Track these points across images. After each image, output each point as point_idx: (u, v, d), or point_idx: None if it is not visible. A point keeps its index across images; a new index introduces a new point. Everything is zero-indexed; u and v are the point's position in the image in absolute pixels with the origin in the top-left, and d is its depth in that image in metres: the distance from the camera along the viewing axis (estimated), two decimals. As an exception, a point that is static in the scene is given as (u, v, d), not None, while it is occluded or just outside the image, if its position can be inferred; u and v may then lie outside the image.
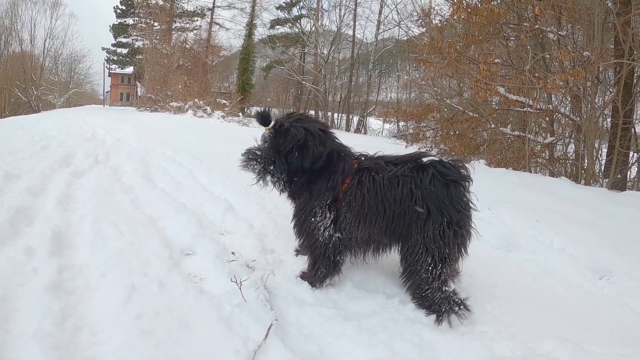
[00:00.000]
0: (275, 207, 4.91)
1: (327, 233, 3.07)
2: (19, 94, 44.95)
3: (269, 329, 2.54)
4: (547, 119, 11.65)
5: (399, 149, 13.53)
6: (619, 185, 9.40)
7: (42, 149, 9.02)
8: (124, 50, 55.13)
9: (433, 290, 2.92)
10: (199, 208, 5.09)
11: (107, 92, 64.33)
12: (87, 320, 2.64)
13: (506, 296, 3.31)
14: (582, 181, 9.47)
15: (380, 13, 37.38)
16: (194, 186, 6.17)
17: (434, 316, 2.86)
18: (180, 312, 2.65)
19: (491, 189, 7.01)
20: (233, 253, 3.69)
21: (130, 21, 51.41)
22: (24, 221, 4.28)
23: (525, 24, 11.18)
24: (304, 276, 3.29)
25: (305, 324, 2.74)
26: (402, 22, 33.28)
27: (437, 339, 2.54)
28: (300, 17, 42.27)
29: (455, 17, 12.35)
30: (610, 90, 10.27)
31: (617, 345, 2.78)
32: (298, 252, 3.69)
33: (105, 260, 3.38)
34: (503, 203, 6.01)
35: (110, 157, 8.57)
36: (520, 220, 5.28)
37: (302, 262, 3.47)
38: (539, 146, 11.61)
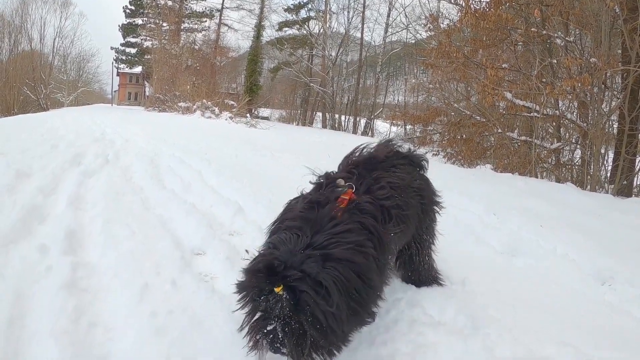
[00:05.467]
0: (284, 209, 4.98)
1: None
2: (28, 92, 45.24)
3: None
4: (554, 124, 11.67)
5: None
6: (625, 191, 9.42)
7: (51, 148, 9.11)
8: (133, 50, 55.36)
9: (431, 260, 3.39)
10: (208, 209, 5.17)
11: (115, 91, 64.57)
12: (101, 318, 2.71)
13: (509, 301, 3.36)
14: (588, 187, 9.49)
15: (388, 16, 37.50)
16: (203, 188, 6.24)
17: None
18: (192, 311, 2.73)
19: (497, 195, 7.07)
20: (247, 251, 3.76)
21: (139, 21, 51.57)
22: (36, 220, 4.35)
23: (532, 29, 11.21)
24: None
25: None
26: (410, 26, 33.39)
27: (440, 340, 2.58)
28: (308, 19, 42.36)
29: (463, 22, 12.38)
30: (617, 96, 10.28)
31: (617, 350, 2.80)
32: None
33: (117, 260, 3.47)
34: (508, 209, 6.08)
35: (119, 157, 8.66)
36: (525, 226, 5.33)
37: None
38: (545, 151, 11.64)
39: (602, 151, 9.98)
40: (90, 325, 2.63)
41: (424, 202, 3.11)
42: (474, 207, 6.03)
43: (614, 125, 10.73)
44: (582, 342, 2.79)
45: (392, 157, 3.03)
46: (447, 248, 3.36)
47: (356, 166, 2.85)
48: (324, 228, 2.13)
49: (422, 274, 3.31)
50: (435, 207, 3.28)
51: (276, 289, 1.86)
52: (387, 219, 2.53)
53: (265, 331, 1.94)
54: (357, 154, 3.07)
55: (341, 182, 2.61)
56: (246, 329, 2.01)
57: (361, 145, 3.16)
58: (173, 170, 7.41)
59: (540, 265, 4.31)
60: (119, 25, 54.30)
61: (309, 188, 2.77)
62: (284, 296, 1.86)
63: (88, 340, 2.51)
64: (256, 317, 1.98)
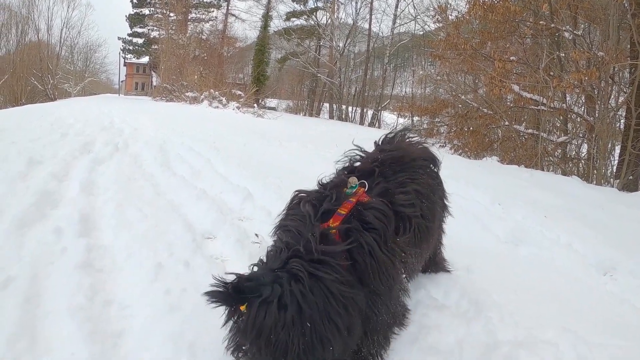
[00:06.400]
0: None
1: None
2: (35, 82, 45.22)
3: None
4: (561, 118, 11.68)
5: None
6: (630, 186, 9.42)
7: (61, 136, 9.23)
8: (140, 40, 55.22)
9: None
10: (218, 195, 5.26)
11: (122, 81, 64.52)
12: (116, 296, 2.81)
13: (512, 288, 3.43)
14: (594, 181, 9.50)
15: (396, 7, 37.28)
16: (213, 175, 6.33)
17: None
18: (205, 290, 2.79)
19: (502, 185, 7.13)
20: (257, 235, 3.85)
21: (146, 11, 51.39)
22: (49, 205, 4.46)
23: (541, 22, 11.21)
24: None
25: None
26: (419, 17, 33.29)
27: (443, 322, 2.66)
28: (316, 9, 42.09)
29: (471, 14, 12.38)
30: (625, 91, 10.27)
31: (616, 337, 2.86)
32: None
33: (130, 241, 3.57)
34: (513, 199, 6.14)
35: (129, 145, 8.76)
36: (529, 217, 5.40)
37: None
38: (552, 145, 11.65)
39: (609, 146, 9.98)
40: (105, 303, 2.73)
41: (442, 205, 3.05)
42: (479, 197, 6.09)
43: (621, 120, 10.74)
44: (583, 328, 2.84)
45: (420, 156, 2.90)
46: (452, 236, 3.41)
47: (381, 164, 2.64)
48: (303, 255, 1.96)
49: (431, 265, 3.33)
50: (445, 212, 3.19)
51: (241, 307, 1.85)
52: (404, 230, 2.35)
53: (243, 349, 1.94)
54: (384, 149, 2.87)
55: (354, 180, 2.44)
56: (230, 346, 2.00)
57: (386, 140, 3.03)
58: (182, 158, 7.51)
59: (543, 255, 4.38)
60: (126, 16, 54.09)
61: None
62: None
63: (104, 316, 2.60)
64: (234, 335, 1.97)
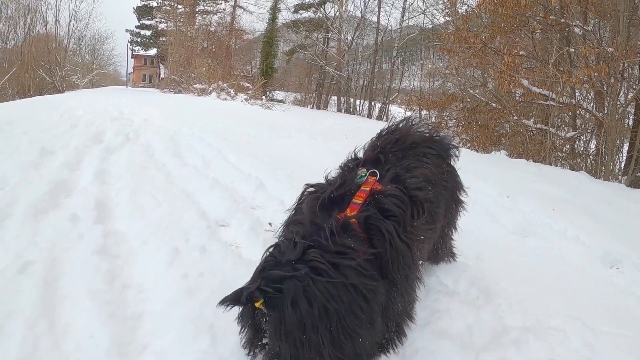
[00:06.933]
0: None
1: None
2: (43, 74, 45.32)
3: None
4: (570, 113, 11.67)
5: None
6: (638, 183, 9.42)
7: (71, 127, 9.30)
8: (148, 33, 55.26)
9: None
10: (230, 184, 5.33)
11: (129, 73, 64.63)
12: (134, 280, 2.88)
13: (520, 277, 3.48)
14: (601, 178, 9.51)
15: (405, 0, 37.15)
16: (224, 165, 6.40)
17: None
18: (222, 274, 2.88)
19: (511, 179, 7.16)
20: (270, 224, 3.92)
21: (154, 3, 51.40)
22: (63, 193, 4.54)
23: (551, 17, 11.19)
24: None
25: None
26: (427, 10, 33.14)
27: (453, 308, 2.71)
28: (324, 2, 41.94)
29: (481, 8, 12.37)
30: (634, 87, 10.25)
31: (622, 328, 2.89)
32: None
33: (146, 228, 3.65)
34: (521, 192, 6.18)
35: (139, 135, 8.83)
36: (537, 210, 5.44)
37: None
38: (560, 140, 11.65)
39: (617, 142, 9.98)
40: (123, 287, 2.80)
41: (452, 197, 3.00)
42: (488, 189, 6.13)
43: (630, 117, 10.73)
44: (589, 317, 2.88)
45: (422, 143, 2.82)
46: (462, 226, 3.46)
47: (383, 152, 2.60)
48: (322, 246, 1.91)
49: (441, 256, 3.33)
50: (459, 206, 3.16)
51: (256, 304, 1.79)
52: (418, 214, 2.30)
53: (260, 344, 1.94)
54: (383, 137, 2.81)
55: (362, 171, 2.41)
56: (246, 345, 2.00)
57: (387, 128, 2.94)
58: (193, 148, 7.59)
59: (550, 246, 4.42)
60: (133, 8, 54.11)
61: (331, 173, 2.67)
62: (264, 311, 1.80)
63: (122, 300, 2.67)
64: (250, 332, 1.97)
